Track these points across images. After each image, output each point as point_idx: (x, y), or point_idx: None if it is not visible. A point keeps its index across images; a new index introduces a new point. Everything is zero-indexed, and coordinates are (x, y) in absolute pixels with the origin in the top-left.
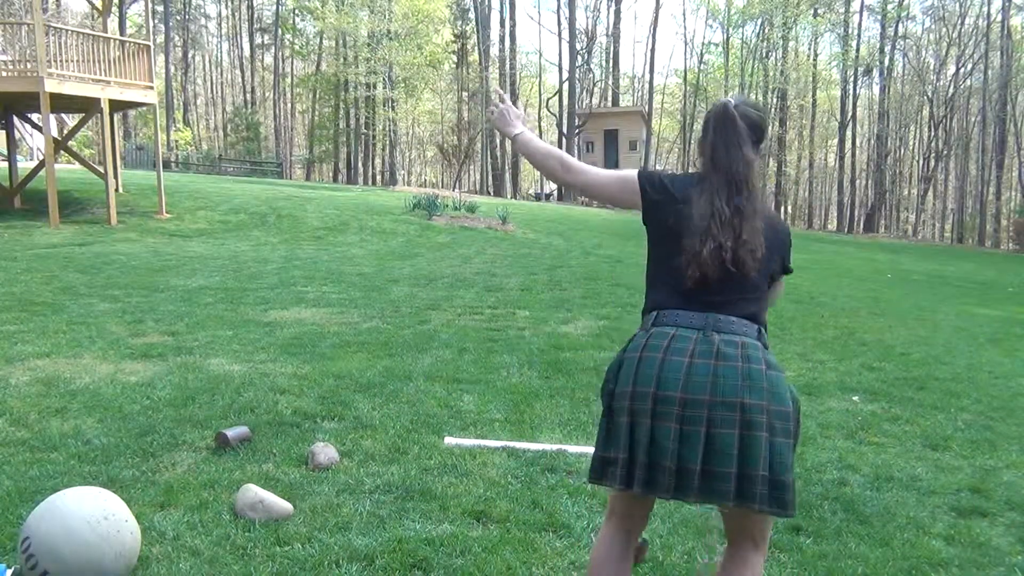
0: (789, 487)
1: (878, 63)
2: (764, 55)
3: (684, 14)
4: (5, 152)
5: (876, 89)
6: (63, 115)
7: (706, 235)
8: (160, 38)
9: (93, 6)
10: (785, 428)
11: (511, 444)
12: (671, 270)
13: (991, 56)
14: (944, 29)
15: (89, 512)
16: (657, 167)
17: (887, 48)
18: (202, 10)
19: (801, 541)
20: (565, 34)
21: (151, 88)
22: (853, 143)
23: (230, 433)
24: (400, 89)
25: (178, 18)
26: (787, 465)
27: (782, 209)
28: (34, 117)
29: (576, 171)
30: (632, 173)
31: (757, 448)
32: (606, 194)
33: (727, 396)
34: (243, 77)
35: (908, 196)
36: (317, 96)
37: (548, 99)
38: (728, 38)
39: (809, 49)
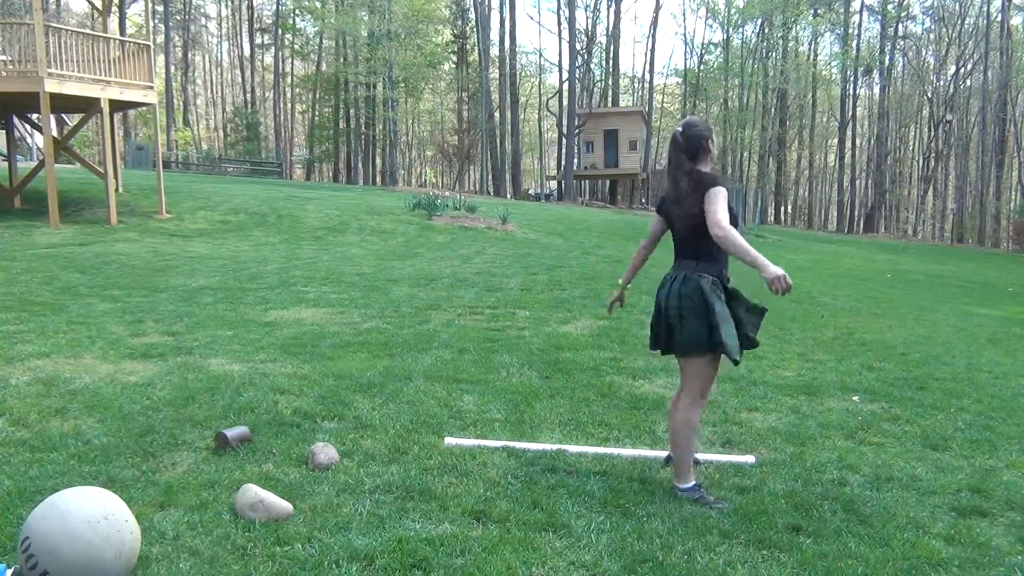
0: None
1: (878, 63)
2: (764, 55)
3: (684, 14)
4: (5, 152)
5: (876, 89)
6: (63, 115)
7: None
8: (160, 38)
9: (93, 6)
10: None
11: (511, 444)
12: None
13: (991, 56)
14: (944, 29)
15: (89, 512)
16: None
17: (887, 48)
18: (202, 10)
19: (801, 541)
20: (565, 34)
21: (151, 88)
22: (853, 143)
23: (230, 433)
24: (400, 89)
25: (178, 18)
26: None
27: (781, 208)
28: (34, 117)
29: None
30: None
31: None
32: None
33: None
34: (243, 77)
35: (908, 196)
36: (317, 96)
37: (548, 99)
38: (728, 38)
39: (809, 49)
